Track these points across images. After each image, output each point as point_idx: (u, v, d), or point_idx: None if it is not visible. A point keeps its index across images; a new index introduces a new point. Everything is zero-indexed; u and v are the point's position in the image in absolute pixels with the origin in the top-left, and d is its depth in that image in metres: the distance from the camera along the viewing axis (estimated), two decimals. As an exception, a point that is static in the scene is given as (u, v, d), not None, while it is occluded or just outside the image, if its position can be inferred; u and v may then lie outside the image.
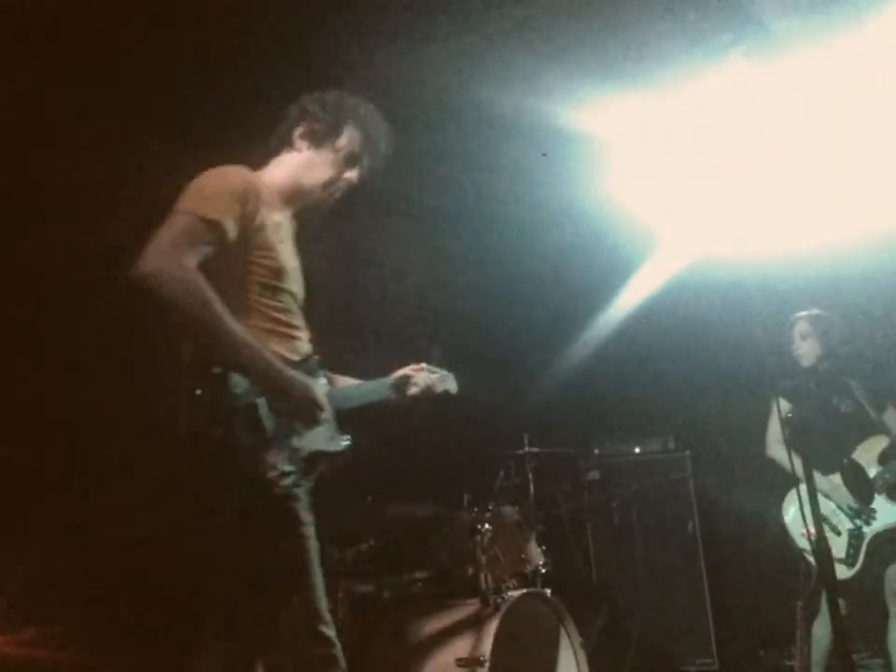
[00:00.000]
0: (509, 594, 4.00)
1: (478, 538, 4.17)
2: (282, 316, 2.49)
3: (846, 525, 3.90)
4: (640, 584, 5.63)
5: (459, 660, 3.68)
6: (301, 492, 2.36)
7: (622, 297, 6.00)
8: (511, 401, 5.75)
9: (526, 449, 5.03)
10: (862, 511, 3.87)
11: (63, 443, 3.96)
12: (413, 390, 2.86)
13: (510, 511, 4.44)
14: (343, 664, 2.33)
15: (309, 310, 2.65)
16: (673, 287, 5.75)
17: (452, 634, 3.85)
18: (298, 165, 2.66)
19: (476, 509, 4.33)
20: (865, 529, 3.85)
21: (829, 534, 3.80)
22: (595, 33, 4.32)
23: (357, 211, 4.85)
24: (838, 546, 3.83)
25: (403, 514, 4.54)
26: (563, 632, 4.11)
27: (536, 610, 4.11)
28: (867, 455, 3.92)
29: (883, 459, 3.89)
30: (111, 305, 3.61)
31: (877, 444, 3.93)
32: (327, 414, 2.47)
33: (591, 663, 4.08)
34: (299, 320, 2.57)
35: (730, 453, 5.57)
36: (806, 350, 4.16)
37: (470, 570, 4.17)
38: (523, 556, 4.29)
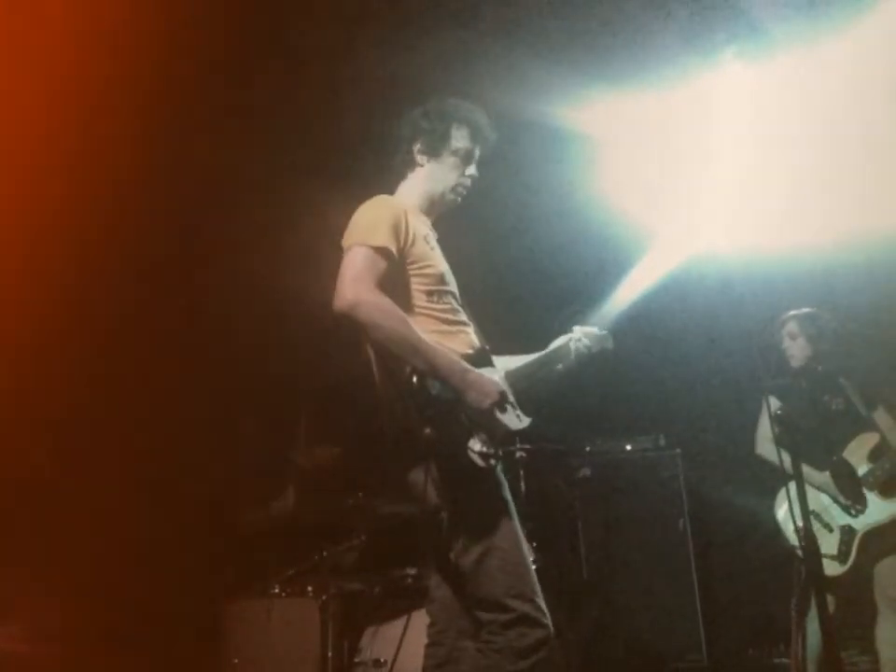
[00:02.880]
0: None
1: (469, 533, 4.17)
2: (450, 316, 2.76)
3: (837, 521, 3.91)
4: (631, 581, 5.64)
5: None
6: (500, 470, 2.64)
7: (614, 295, 6.00)
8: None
9: (518, 446, 5.03)
10: (854, 505, 3.88)
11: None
12: (582, 349, 3.14)
13: (501, 508, 4.43)
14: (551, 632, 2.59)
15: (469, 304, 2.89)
16: (665, 285, 5.76)
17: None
18: (425, 179, 2.93)
19: (467, 505, 4.32)
20: (857, 526, 3.86)
21: (821, 530, 3.81)
22: (589, 32, 4.33)
23: (352, 205, 4.87)
24: (830, 543, 3.84)
25: (395, 510, 4.54)
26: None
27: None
28: (858, 453, 3.93)
29: (873, 457, 3.90)
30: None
31: (868, 442, 3.94)
32: (510, 399, 2.70)
33: (581, 659, 4.08)
34: (463, 316, 2.83)
35: (721, 450, 5.57)
36: (796, 351, 4.16)
37: (461, 566, 4.17)
38: (514, 552, 4.28)
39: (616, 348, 6.14)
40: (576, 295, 5.97)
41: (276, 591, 4.14)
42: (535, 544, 4.39)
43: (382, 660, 3.86)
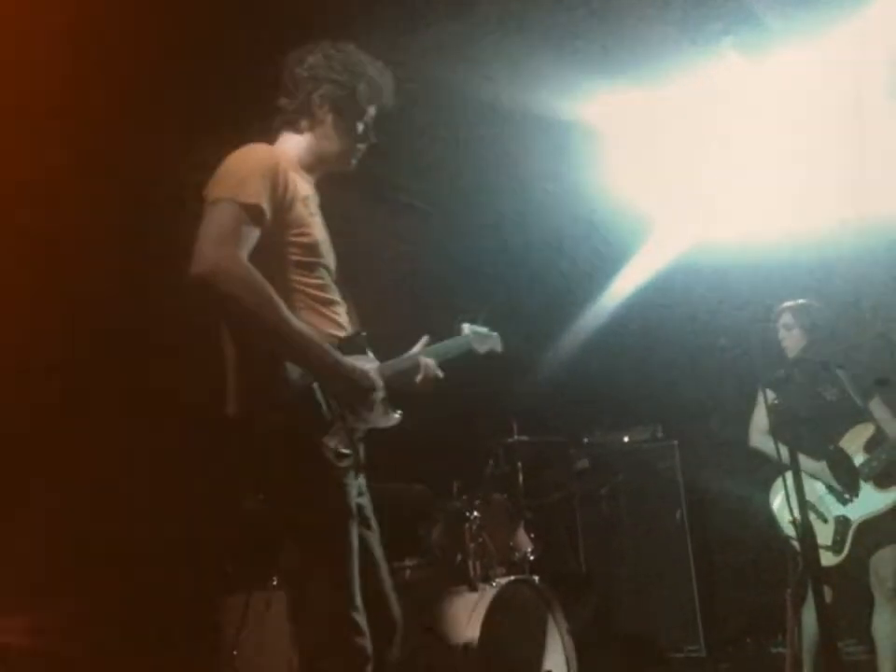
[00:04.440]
0: (497, 581, 4.02)
1: (467, 525, 4.20)
2: (321, 293, 2.45)
3: (832, 512, 3.92)
4: (628, 572, 5.67)
5: (448, 646, 3.70)
6: (352, 476, 2.36)
7: (612, 287, 6.02)
8: (501, 390, 5.76)
9: (516, 437, 5.05)
10: (849, 494, 3.89)
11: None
12: (468, 349, 2.93)
13: (499, 499, 4.46)
14: (370, 652, 2.29)
15: (344, 281, 2.61)
16: (663, 277, 5.77)
17: (440, 621, 3.87)
18: (319, 135, 2.58)
19: (465, 496, 4.35)
20: (852, 516, 3.87)
21: (815, 521, 3.81)
22: (586, 23, 4.32)
23: (347, 198, 4.86)
24: (825, 533, 3.85)
25: (392, 502, 4.55)
26: (550, 619, 4.13)
27: (524, 597, 4.13)
28: (853, 444, 3.93)
29: (869, 447, 3.91)
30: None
31: (864, 432, 3.94)
32: (381, 393, 2.46)
33: (578, 649, 4.10)
34: (336, 294, 2.53)
35: (718, 442, 5.58)
36: (791, 342, 4.16)
37: (459, 558, 4.19)
38: (511, 544, 4.31)
39: (614, 340, 6.16)
40: (573, 287, 6.02)
41: (275, 583, 4.15)
42: (533, 535, 4.41)
43: (380, 651, 3.88)
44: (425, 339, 2.79)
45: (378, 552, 2.51)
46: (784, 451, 3.14)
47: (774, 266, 4.96)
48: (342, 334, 2.45)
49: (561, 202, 5.39)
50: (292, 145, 2.57)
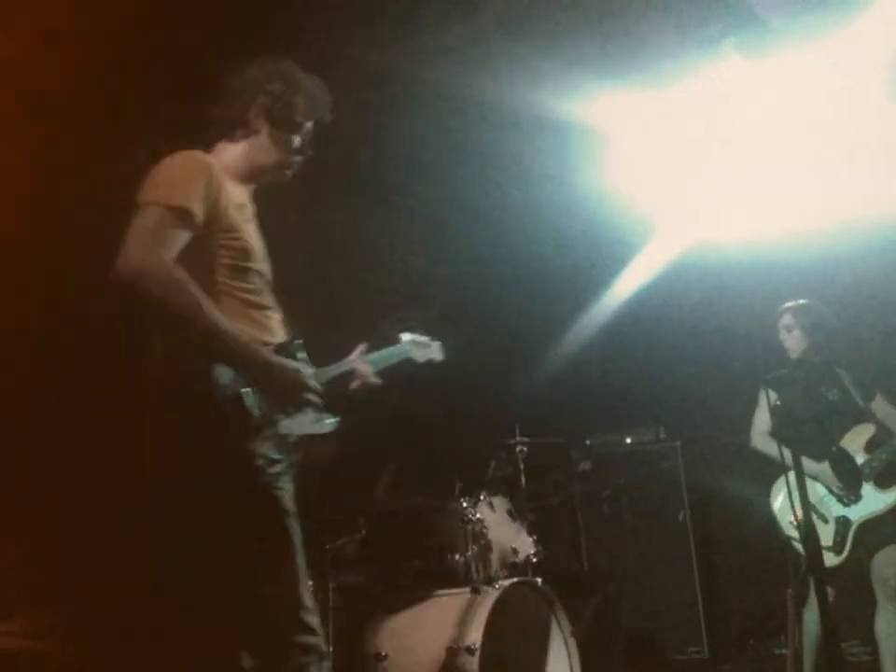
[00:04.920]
0: (500, 583, 4.02)
1: (469, 527, 4.20)
2: (253, 297, 2.46)
3: (833, 512, 3.92)
4: (631, 573, 5.65)
5: (450, 649, 3.70)
6: (287, 479, 2.35)
7: (614, 287, 6.02)
8: (503, 391, 5.76)
9: (518, 439, 5.04)
10: (851, 493, 3.89)
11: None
12: (406, 357, 2.93)
13: (501, 501, 4.46)
14: (324, 650, 2.33)
15: (279, 290, 2.61)
16: (664, 278, 5.76)
17: (443, 623, 3.87)
18: (256, 146, 2.60)
19: (467, 498, 4.34)
20: (852, 517, 3.87)
21: (816, 522, 3.81)
22: (589, 23, 4.32)
23: (352, 201, 4.88)
24: (825, 534, 3.85)
25: (394, 504, 4.56)
26: (554, 620, 4.13)
27: (527, 599, 4.13)
28: (854, 444, 3.93)
29: (870, 447, 3.91)
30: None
31: (865, 432, 3.94)
32: (318, 397, 2.46)
33: (581, 651, 4.10)
34: (270, 300, 2.54)
35: (721, 443, 5.58)
36: (792, 343, 4.16)
37: (461, 560, 4.19)
38: (513, 546, 4.31)
39: (616, 341, 6.15)
40: (573, 288, 6.02)
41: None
42: (535, 537, 4.41)
43: (383, 653, 3.88)
44: (362, 346, 2.81)
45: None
46: (786, 452, 3.14)
47: (775, 266, 4.96)
48: (273, 340, 2.45)
49: (562, 203, 5.38)
50: (228, 154, 2.59)
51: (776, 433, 3.61)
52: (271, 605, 2.28)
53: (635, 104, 4.65)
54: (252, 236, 2.52)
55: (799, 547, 3.84)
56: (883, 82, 4.45)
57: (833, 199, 4.84)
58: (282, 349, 2.44)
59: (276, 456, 2.30)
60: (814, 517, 3.77)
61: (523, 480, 4.98)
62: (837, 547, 3.85)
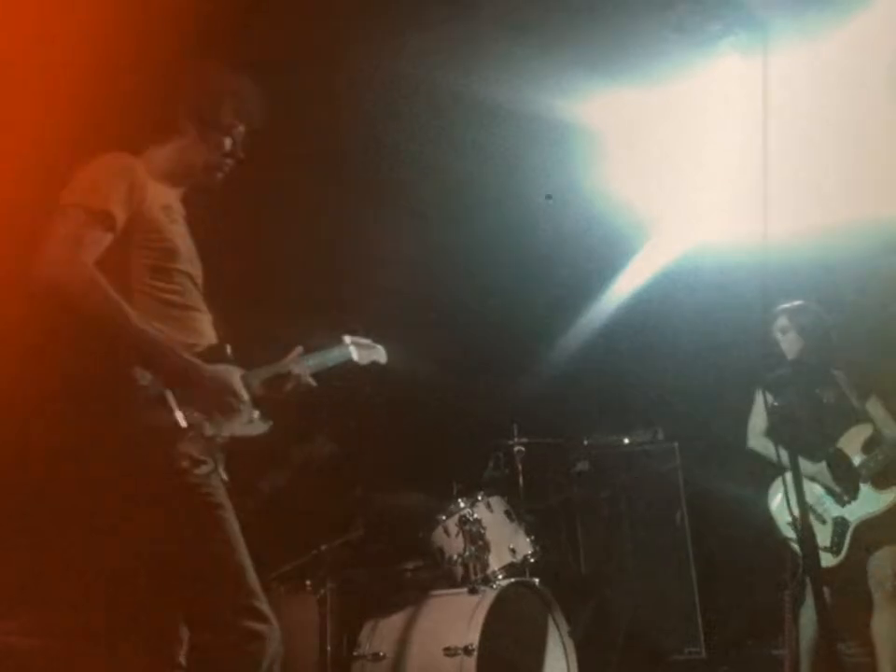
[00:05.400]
0: (497, 583, 4.02)
1: (467, 527, 4.20)
2: (176, 298, 2.45)
3: (831, 513, 3.92)
4: (628, 574, 5.66)
5: (448, 649, 3.70)
6: (216, 479, 2.36)
7: (612, 288, 6.02)
8: (501, 392, 5.76)
9: (516, 439, 5.04)
10: (848, 494, 3.88)
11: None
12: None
13: (499, 502, 4.45)
14: (275, 635, 2.33)
15: (212, 293, 2.59)
16: (662, 279, 5.77)
17: (441, 623, 3.87)
18: (183, 148, 2.60)
19: (465, 498, 4.34)
20: (850, 518, 3.86)
21: (814, 522, 3.78)
22: (587, 22, 4.32)
23: (351, 200, 4.88)
24: (823, 534, 3.85)
25: (393, 504, 4.56)
26: (551, 621, 4.13)
27: (524, 600, 4.13)
28: (851, 445, 3.93)
29: (867, 448, 3.91)
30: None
31: (862, 433, 3.94)
32: (242, 400, 2.44)
33: (579, 652, 4.10)
34: (198, 303, 2.52)
35: (718, 444, 5.58)
36: (788, 344, 4.17)
37: (459, 560, 4.19)
38: (511, 546, 4.30)
39: (614, 341, 6.13)
40: (572, 288, 6.02)
41: (275, 586, 4.15)
42: (533, 537, 4.41)
43: (381, 654, 3.89)
44: (298, 349, 2.78)
45: None
46: (783, 452, 3.14)
47: (774, 267, 4.94)
48: (199, 341, 2.44)
49: (561, 202, 5.38)
50: (157, 156, 2.59)
51: (773, 434, 3.61)
52: (216, 595, 2.29)
53: (634, 104, 4.65)
54: (178, 237, 2.51)
55: (796, 548, 3.83)
56: (883, 82, 4.45)
57: (830, 200, 4.84)
58: (211, 352, 2.44)
59: (201, 458, 2.30)
60: (811, 518, 3.77)
61: (521, 480, 4.98)
62: (835, 548, 3.85)
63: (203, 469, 2.30)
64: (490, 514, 4.33)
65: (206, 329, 2.51)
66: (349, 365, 3.03)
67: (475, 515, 4.24)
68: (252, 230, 4.49)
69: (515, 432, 5.06)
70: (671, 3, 4.34)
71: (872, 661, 3.87)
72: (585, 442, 6.07)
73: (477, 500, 4.33)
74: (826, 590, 3.55)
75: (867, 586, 3.81)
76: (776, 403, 3.54)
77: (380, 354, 3.20)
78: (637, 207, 5.32)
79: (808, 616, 3.83)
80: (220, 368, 2.43)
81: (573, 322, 6.12)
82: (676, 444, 5.87)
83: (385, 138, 4.75)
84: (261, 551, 4.30)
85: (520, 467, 5.01)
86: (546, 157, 5.06)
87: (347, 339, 3.08)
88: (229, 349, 2.52)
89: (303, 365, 2.74)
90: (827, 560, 3.81)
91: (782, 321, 4.18)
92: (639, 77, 4.56)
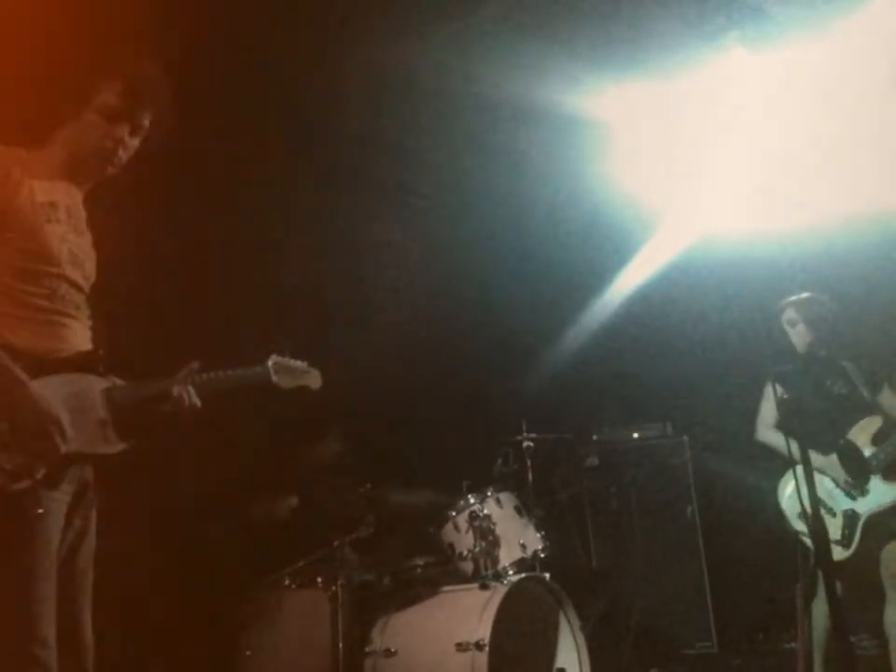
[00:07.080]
0: (508, 578, 4.03)
1: (477, 523, 4.20)
2: (45, 303, 2.31)
3: (841, 506, 3.91)
4: (639, 569, 5.65)
5: (459, 644, 3.70)
6: (50, 498, 2.20)
7: (620, 281, 6.01)
8: (510, 387, 5.76)
9: (525, 435, 5.05)
10: (859, 486, 3.87)
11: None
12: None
13: (508, 497, 4.46)
14: None
15: (99, 300, 2.47)
16: (670, 272, 5.76)
17: (452, 618, 3.88)
18: (77, 131, 2.43)
19: (475, 494, 4.35)
20: (860, 510, 3.86)
21: (824, 515, 3.79)
22: (593, 16, 4.31)
23: (356, 198, 4.88)
24: (833, 527, 3.83)
25: (403, 501, 4.57)
26: (562, 616, 4.14)
27: (535, 595, 4.13)
28: (862, 436, 3.92)
29: (877, 440, 3.89)
30: None
31: (871, 425, 3.93)
32: (61, 431, 2.23)
33: (590, 647, 4.10)
34: (70, 308, 2.37)
35: (728, 437, 5.57)
36: (797, 337, 4.15)
37: (469, 555, 4.20)
38: (521, 541, 4.31)
39: (623, 336, 6.13)
40: (579, 282, 6.01)
41: (287, 582, 4.16)
42: (543, 532, 4.41)
43: (392, 649, 3.89)
44: (192, 365, 2.54)
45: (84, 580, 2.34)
46: (793, 445, 3.13)
47: (782, 260, 4.94)
48: (63, 348, 2.31)
49: (567, 196, 5.39)
50: (52, 151, 2.45)
51: (782, 426, 3.60)
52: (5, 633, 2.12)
53: (638, 97, 4.65)
54: (53, 239, 2.36)
55: (807, 541, 3.83)
56: (887, 75, 4.43)
57: (836, 192, 4.83)
58: (74, 359, 2.32)
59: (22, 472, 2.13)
60: (822, 511, 3.76)
61: (530, 476, 4.99)
62: (846, 540, 3.84)
63: (23, 484, 2.12)
64: (500, 510, 4.34)
65: (76, 337, 2.37)
66: (269, 388, 2.77)
67: (485, 511, 4.25)
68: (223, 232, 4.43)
69: (524, 428, 5.06)
70: (676, -4, 4.34)
71: (884, 653, 3.87)
72: (594, 437, 6.07)
73: (487, 496, 4.33)
74: (838, 583, 3.55)
75: (879, 578, 3.80)
76: (785, 395, 3.54)
77: (312, 379, 2.91)
78: (643, 200, 5.31)
79: (821, 609, 3.82)
80: (84, 379, 2.32)
81: (581, 317, 6.12)
82: (685, 438, 5.87)
83: (387, 136, 4.75)
84: (273, 548, 4.34)
85: (529, 462, 5.02)
86: (552, 150, 5.06)
87: (271, 360, 2.80)
88: (99, 358, 2.38)
89: (188, 386, 2.49)
90: (838, 553, 3.80)
91: (790, 313, 4.17)
92: (645, 70, 4.55)
